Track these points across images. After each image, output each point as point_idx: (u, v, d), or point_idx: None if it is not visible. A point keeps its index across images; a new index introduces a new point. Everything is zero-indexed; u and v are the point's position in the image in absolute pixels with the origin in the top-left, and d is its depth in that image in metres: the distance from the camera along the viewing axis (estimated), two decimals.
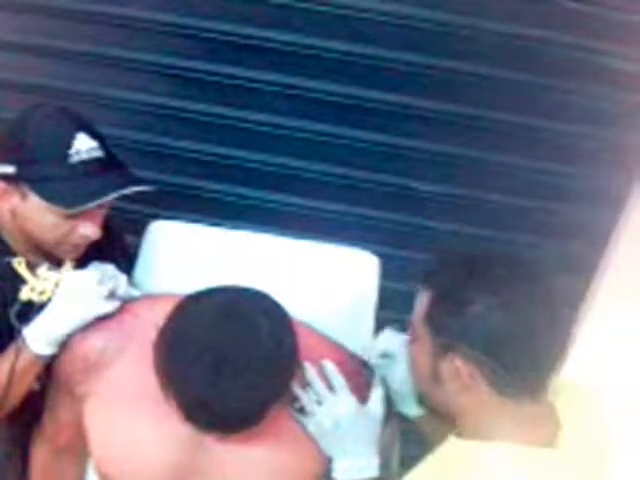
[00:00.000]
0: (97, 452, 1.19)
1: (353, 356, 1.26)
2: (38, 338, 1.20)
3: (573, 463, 1.03)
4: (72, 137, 1.21)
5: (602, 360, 1.76)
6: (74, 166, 1.21)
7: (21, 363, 1.21)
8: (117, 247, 1.47)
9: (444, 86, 1.73)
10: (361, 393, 1.18)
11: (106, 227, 1.33)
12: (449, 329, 1.03)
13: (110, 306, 1.21)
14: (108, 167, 1.26)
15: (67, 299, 1.21)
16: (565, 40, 1.66)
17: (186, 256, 1.36)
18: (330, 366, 1.17)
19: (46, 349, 1.21)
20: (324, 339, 1.24)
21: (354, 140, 1.79)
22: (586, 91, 1.71)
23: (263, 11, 1.67)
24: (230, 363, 0.99)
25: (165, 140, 1.82)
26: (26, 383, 1.25)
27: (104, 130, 1.72)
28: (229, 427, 1.03)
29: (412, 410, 1.25)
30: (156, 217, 1.53)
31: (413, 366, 1.15)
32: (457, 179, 1.82)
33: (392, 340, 1.26)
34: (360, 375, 1.22)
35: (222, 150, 1.82)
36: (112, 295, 1.22)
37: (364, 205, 1.85)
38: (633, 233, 1.73)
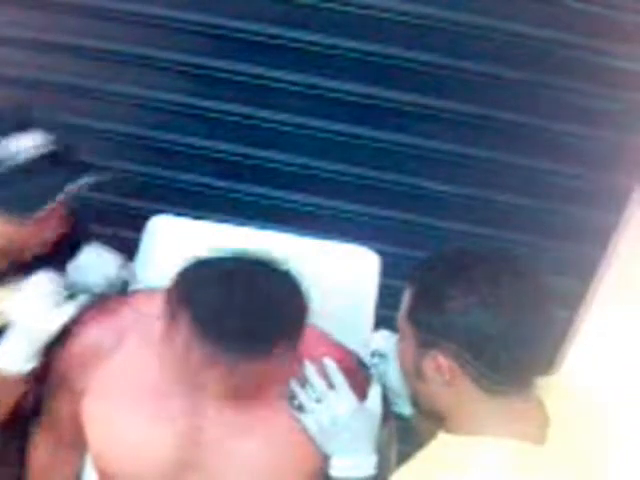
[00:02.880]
0: (95, 447, 1.20)
1: (352, 353, 1.26)
2: (8, 360, 1.18)
3: (560, 460, 1.03)
4: (14, 138, 1.16)
5: (601, 360, 1.75)
6: (20, 169, 1.16)
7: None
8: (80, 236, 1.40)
9: (461, 86, 1.72)
10: (360, 391, 1.19)
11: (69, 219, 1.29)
12: (429, 325, 1.03)
13: (69, 308, 1.19)
14: (57, 162, 1.20)
15: (23, 320, 1.19)
16: (574, 40, 1.66)
17: (185, 251, 1.36)
18: (330, 363, 1.17)
19: (22, 366, 1.19)
20: (324, 336, 1.25)
21: (374, 140, 1.79)
22: (596, 92, 1.70)
23: (287, 11, 1.67)
24: (244, 288, 1.01)
25: (191, 140, 1.83)
26: (11, 397, 1.24)
27: (131, 129, 1.78)
28: (240, 348, 1.00)
29: (406, 409, 1.24)
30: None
31: (400, 364, 1.15)
32: (475, 180, 1.81)
33: (385, 340, 1.26)
34: (359, 373, 1.22)
35: (246, 150, 1.82)
36: (72, 296, 1.20)
37: (380, 205, 1.85)
38: (635, 233, 1.72)
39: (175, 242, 1.42)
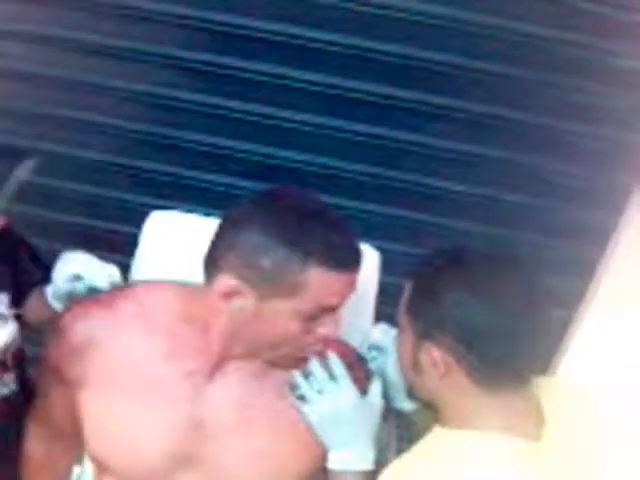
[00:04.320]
0: (92, 440, 1.18)
1: (352, 349, 1.26)
2: None
3: (555, 458, 1.02)
4: None
5: (600, 359, 1.72)
6: None
7: None
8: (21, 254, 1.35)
9: (474, 86, 1.72)
10: (361, 386, 1.18)
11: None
12: (425, 317, 1.04)
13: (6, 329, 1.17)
14: None
15: None
16: (583, 40, 1.65)
17: (184, 246, 1.37)
18: (332, 356, 1.17)
19: None
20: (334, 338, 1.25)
21: (391, 141, 1.79)
22: (604, 91, 1.69)
23: (308, 11, 1.68)
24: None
25: (214, 140, 1.84)
26: None
27: (159, 130, 1.80)
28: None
29: (405, 404, 1.24)
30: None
31: (398, 357, 1.16)
32: (482, 179, 1.80)
33: (383, 333, 1.26)
34: (359, 368, 1.22)
35: (267, 150, 1.83)
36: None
37: (393, 204, 1.85)
38: (634, 232, 1.69)
39: (174, 237, 1.42)
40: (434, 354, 1.03)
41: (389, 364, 1.24)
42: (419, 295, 1.08)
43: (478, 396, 1.03)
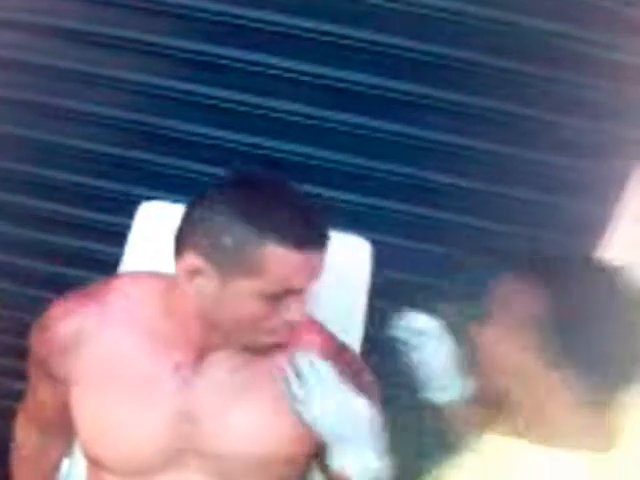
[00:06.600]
0: (84, 434, 1.17)
1: (333, 337, 1.25)
2: None
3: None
4: None
5: None
6: None
7: None
8: None
9: (480, 81, 1.69)
10: (352, 382, 1.16)
11: None
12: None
13: None
14: None
15: None
16: (582, 35, 1.63)
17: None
18: (320, 356, 1.14)
19: None
20: (316, 326, 1.24)
21: (406, 137, 1.76)
22: (606, 86, 1.67)
23: (338, 8, 1.65)
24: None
25: (207, 131, 1.80)
26: None
27: (151, 120, 1.74)
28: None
29: (444, 395, 1.22)
30: None
31: (484, 355, 1.07)
32: (487, 173, 1.78)
33: (427, 321, 1.24)
34: (350, 365, 1.20)
35: (304, 150, 1.79)
36: None
37: (393, 198, 1.82)
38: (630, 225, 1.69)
39: (166, 228, 1.41)
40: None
41: (435, 353, 1.22)
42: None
43: (569, 409, 0.98)
